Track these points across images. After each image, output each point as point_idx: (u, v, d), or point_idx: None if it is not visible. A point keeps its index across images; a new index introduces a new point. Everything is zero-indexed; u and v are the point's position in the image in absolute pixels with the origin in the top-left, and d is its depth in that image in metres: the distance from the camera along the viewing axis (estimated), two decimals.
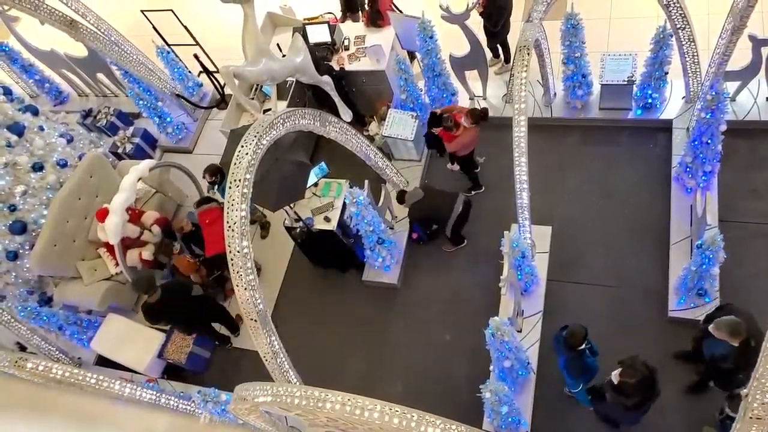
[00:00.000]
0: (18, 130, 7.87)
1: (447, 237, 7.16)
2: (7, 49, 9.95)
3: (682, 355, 5.80)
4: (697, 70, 6.83)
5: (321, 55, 7.91)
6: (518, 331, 6.30)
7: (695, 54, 6.61)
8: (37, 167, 7.88)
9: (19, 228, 7.66)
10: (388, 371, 6.92)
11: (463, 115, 6.71)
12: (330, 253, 7.48)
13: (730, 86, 6.90)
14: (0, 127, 7.73)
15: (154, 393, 6.43)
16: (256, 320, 4.77)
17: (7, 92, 8.75)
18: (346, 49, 8.21)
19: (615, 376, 4.56)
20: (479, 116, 6.64)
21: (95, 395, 5.70)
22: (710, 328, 4.58)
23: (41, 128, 8.26)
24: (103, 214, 7.23)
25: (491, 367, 5.79)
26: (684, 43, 6.47)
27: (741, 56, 6.42)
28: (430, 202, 6.77)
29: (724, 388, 5.07)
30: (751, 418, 3.20)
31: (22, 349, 7.62)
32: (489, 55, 8.31)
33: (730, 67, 6.50)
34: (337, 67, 7.98)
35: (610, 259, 6.79)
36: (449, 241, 7.29)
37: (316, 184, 7.40)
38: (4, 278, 7.96)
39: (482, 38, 7.61)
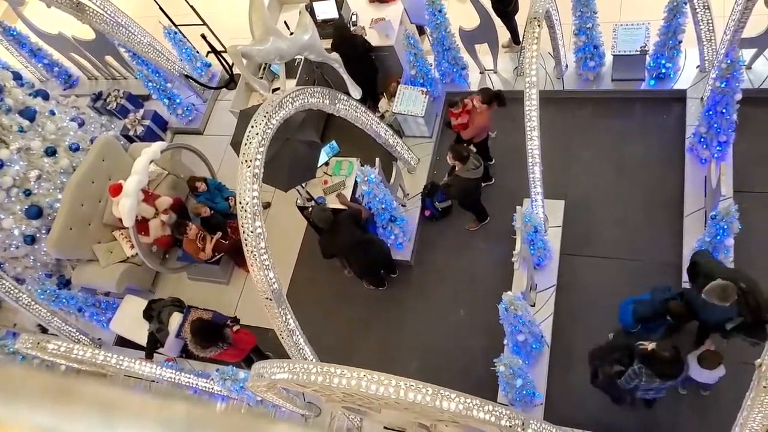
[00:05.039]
0: (29, 114, 7.92)
1: (473, 215, 7.17)
2: (15, 33, 9.95)
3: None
4: (712, 38, 6.69)
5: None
6: (531, 305, 6.32)
7: (710, 21, 6.47)
8: (50, 152, 7.94)
9: (35, 212, 7.75)
10: (403, 347, 6.98)
11: (475, 98, 6.60)
12: None
13: (746, 54, 6.77)
14: (12, 113, 7.78)
15: (174, 372, 6.54)
16: (271, 299, 4.82)
17: (17, 77, 8.77)
18: (354, 24, 8.12)
19: (652, 344, 4.61)
20: (492, 96, 6.49)
21: (115, 384, 5.81)
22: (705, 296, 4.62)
23: (52, 112, 8.30)
24: (116, 190, 7.30)
25: (505, 341, 5.84)
26: (698, 10, 6.33)
27: (757, 23, 6.29)
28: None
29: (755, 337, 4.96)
30: (765, 387, 3.21)
31: (44, 331, 7.77)
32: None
33: (746, 35, 6.36)
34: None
35: (623, 232, 6.75)
36: (475, 219, 7.28)
37: (327, 163, 7.40)
38: (23, 262, 8.09)
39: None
